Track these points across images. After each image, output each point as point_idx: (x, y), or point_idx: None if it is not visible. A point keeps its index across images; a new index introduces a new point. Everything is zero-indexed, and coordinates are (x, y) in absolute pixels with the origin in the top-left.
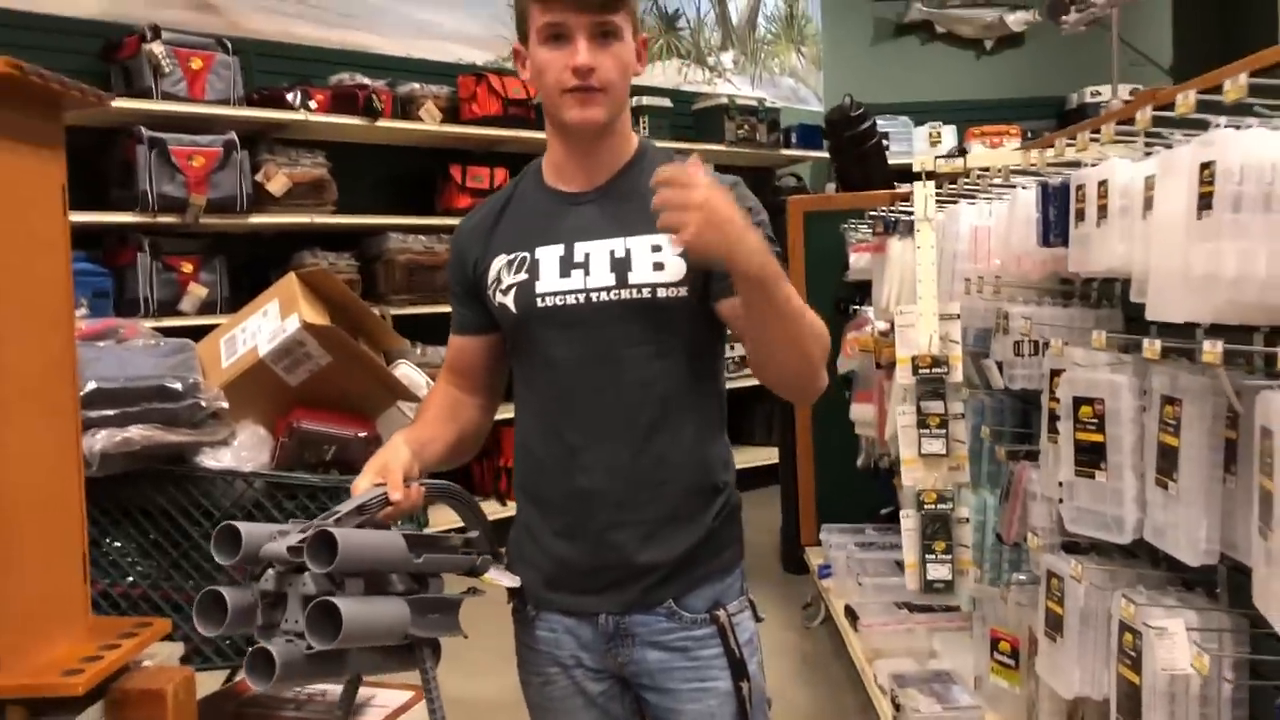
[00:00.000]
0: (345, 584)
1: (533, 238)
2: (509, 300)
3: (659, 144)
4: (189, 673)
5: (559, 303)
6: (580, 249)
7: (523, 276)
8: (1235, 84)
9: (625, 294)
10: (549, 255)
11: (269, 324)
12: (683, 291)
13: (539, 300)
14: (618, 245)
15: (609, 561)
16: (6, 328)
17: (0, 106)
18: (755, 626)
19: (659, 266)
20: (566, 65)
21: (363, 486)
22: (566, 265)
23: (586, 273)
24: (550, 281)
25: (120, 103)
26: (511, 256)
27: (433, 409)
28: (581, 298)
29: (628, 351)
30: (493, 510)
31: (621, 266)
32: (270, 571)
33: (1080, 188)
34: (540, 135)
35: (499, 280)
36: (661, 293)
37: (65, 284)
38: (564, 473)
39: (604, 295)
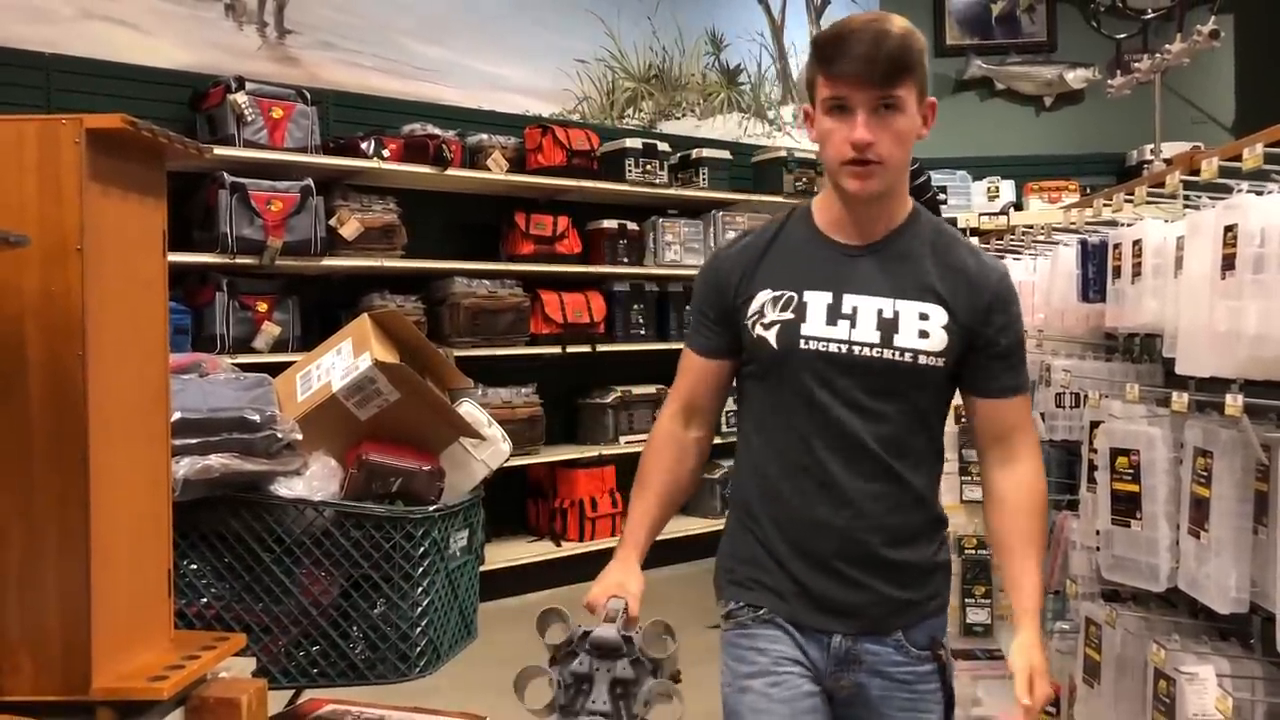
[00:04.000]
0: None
1: (801, 280)
2: (770, 335)
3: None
4: (262, 684)
5: (822, 348)
6: (849, 301)
7: (789, 316)
8: (1253, 153)
9: (888, 354)
10: (817, 301)
11: (343, 361)
12: (940, 362)
13: (802, 341)
14: (886, 305)
15: (849, 586)
16: (114, 359)
17: (113, 158)
18: None
19: (924, 335)
20: (846, 138)
21: (602, 599)
22: (834, 314)
23: (853, 325)
24: (816, 326)
25: None
26: (778, 294)
27: (659, 477)
28: (844, 348)
29: (879, 404)
30: (545, 550)
31: (889, 327)
32: (585, 656)
33: (1117, 246)
34: (603, 186)
35: (761, 314)
36: (922, 360)
37: (162, 320)
38: (810, 505)
39: (867, 351)
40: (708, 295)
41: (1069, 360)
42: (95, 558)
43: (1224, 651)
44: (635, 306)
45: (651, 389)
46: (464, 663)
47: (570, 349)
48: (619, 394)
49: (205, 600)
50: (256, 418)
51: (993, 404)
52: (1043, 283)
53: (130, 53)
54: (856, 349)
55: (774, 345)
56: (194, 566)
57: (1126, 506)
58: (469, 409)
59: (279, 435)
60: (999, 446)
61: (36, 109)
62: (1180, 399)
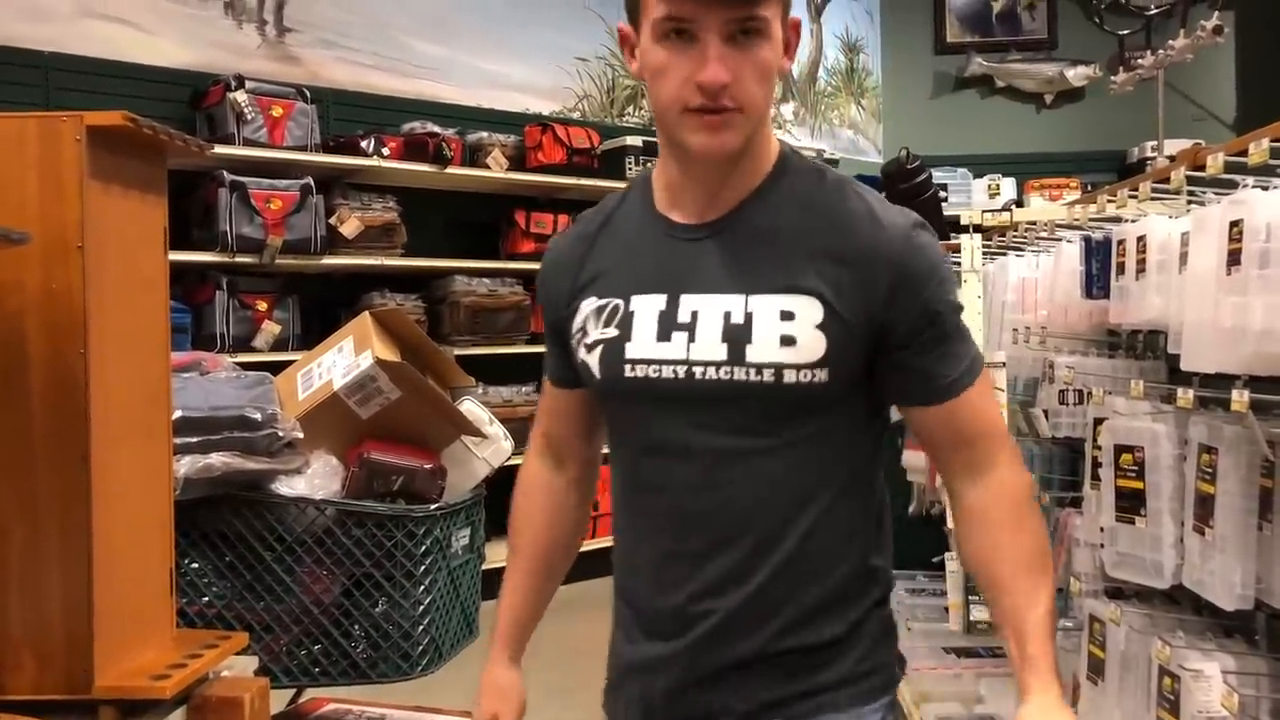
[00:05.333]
0: None
1: (629, 280)
2: (593, 360)
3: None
4: (264, 683)
5: (652, 373)
6: (687, 304)
7: (612, 332)
8: (1259, 149)
9: (740, 374)
10: (646, 308)
11: (344, 359)
12: (820, 375)
13: (627, 367)
14: (735, 305)
15: (717, 688)
16: (115, 357)
17: (115, 155)
18: None
19: (788, 341)
20: (690, 76)
21: None
22: (667, 324)
23: (691, 338)
24: (644, 344)
25: None
26: (602, 302)
27: (531, 536)
28: (682, 370)
29: (741, 445)
30: None
31: (738, 336)
32: None
33: (1121, 243)
34: (603, 184)
35: (584, 331)
36: (790, 376)
37: (163, 318)
38: (661, 584)
39: (712, 372)
40: (542, 303)
41: (1072, 357)
42: (97, 556)
43: (1229, 648)
44: None
45: None
46: (465, 661)
47: None
48: None
49: (206, 599)
50: (258, 416)
51: (940, 411)
52: (1046, 279)
53: (129, 51)
54: (698, 371)
55: (596, 374)
56: (195, 565)
57: (1131, 503)
58: (470, 407)
59: (280, 434)
60: (963, 452)
61: (35, 108)
62: (1185, 395)
